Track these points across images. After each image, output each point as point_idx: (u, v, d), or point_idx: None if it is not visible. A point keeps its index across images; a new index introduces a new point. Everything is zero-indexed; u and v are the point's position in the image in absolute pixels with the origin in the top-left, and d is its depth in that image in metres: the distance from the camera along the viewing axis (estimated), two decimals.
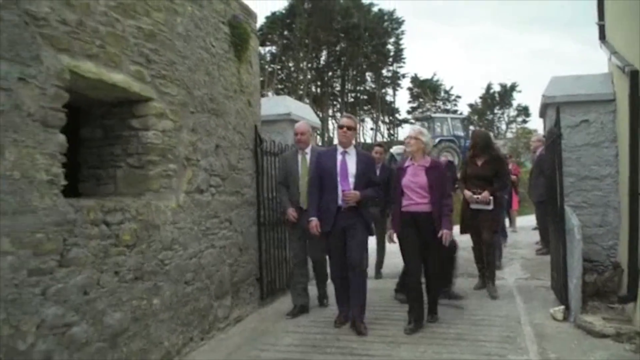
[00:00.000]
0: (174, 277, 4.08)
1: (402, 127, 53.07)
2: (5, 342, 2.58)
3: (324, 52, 50.12)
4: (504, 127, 53.71)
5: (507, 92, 54.19)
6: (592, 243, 5.46)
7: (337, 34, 48.12)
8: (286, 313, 5.34)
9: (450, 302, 5.39)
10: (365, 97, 52.89)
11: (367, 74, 52.30)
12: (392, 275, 6.85)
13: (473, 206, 5.84)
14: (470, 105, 55.84)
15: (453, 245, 5.23)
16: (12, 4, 2.70)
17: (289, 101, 7.34)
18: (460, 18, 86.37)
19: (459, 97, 56.12)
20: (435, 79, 54.35)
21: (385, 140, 48.04)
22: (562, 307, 4.81)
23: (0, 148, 2.59)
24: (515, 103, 53.80)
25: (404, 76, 53.39)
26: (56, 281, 2.92)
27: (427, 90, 51.32)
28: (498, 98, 55.11)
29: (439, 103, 53.93)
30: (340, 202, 4.72)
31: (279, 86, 45.71)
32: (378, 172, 5.57)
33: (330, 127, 47.71)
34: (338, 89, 52.42)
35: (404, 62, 53.01)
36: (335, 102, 52.33)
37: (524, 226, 11.16)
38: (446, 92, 55.55)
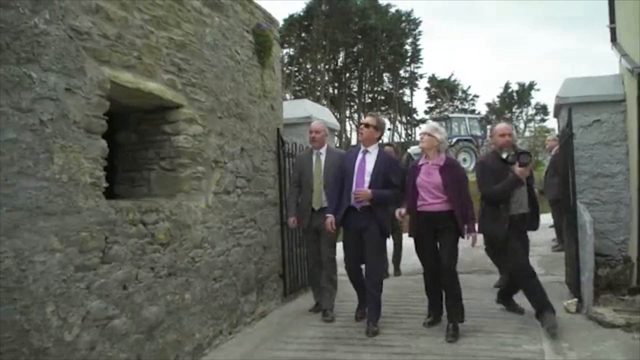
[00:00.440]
0: (203, 273, 4.31)
1: (420, 127, 52.99)
2: (54, 333, 2.82)
3: (342, 54, 50.33)
4: (522, 126, 53.34)
5: (525, 91, 53.94)
6: (605, 238, 5.60)
7: (355, 36, 48.33)
8: (309, 309, 5.51)
9: None
10: (383, 97, 52.99)
11: (384, 74, 52.37)
12: (411, 272, 7.03)
13: None
14: (488, 105, 55.65)
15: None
16: (59, 19, 2.95)
17: (308, 104, 7.56)
18: (479, 17, 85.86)
19: (476, 96, 56.08)
20: (452, 78, 54.33)
21: (402, 140, 48.07)
22: (575, 299, 4.96)
23: (50, 153, 2.84)
24: (533, 102, 53.56)
25: (421, 76, 53.50)
26: (99, 276, 3.17)
27: (444, 90, 51.26)
28: (516, 97, 54.83)
29: (457, 103, 53.84)
30: (352, 201, 4.70)
31: (297, 88, 46.04)
32: None
33: (348, 128, 47.88)
34: (355, 90, 52.59)
35: (421, 63, 53.10)
36: (352, 103, 52.52)
37: (541, 224, 11.19)
38: (464, 91, 55.49)
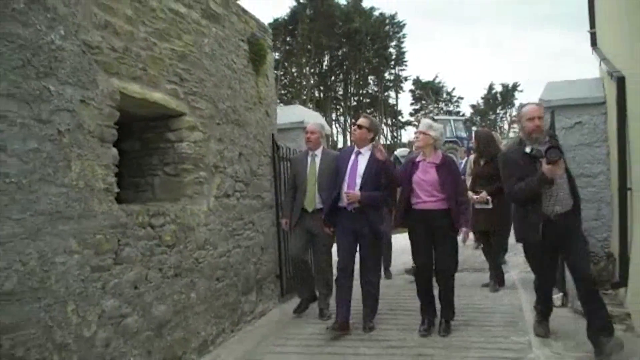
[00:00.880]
0: (207, 274, 4.50)
1: (405, 130, 53.51)
2: (74, 330, 3.01)
3: (327, 57, 50.82)
4: (506, 126, 54.09)
5: (508, 92, 54.73)
6: (589, 236, 5.81)
7: (339, 39, 48.80)
8: (293, 310, 5.48)
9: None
10: (368, 100, 53.51)
11: (369, 77, 52.99)
12: (401, 272, 7.24)
13: (477, 206, 6.15)
14: (473, 106, 56.44)
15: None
16: (73, 35, 3.13)
17: (301, 110, 7.79)
18: (462, 18, 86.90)
19: (461, 98, 56.93)
20: (437, 80, 54.98)
21: (388, 142, 48.46)
22: (561, 294, 5.21)
23: (67, 161, 3.02)
24: (517, 102, 54.25)
25: (406, 79, 54.12)
26: (113, 277, 3.35)
27: (429, 92, 51.83)
28: (500, 98, 55.59)
29: (442, 104, 54.44)
30: (344, 201, 4.74)
31: (283, 92, 46.25)
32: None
33: (334, 131, 48.15)
34: (341, 93, 53.06)
35: (405, 65, 53.77)
36: (338, 107, 52.95)
37: None
38: (448, 93, 56.17)
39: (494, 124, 54.49)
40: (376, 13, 50.55)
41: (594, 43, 6.94)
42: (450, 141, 23.87)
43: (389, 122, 55.18)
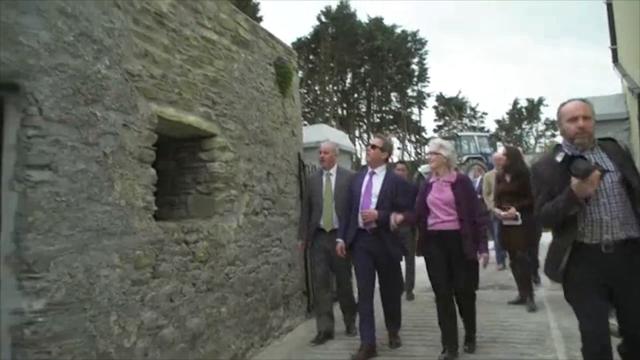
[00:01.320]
0: (237, 289, 4.66)
1: (429, 146, 53.24)
2: (115, 340, 3.20)
3: (349, 75, 51.14)
4: (532, 141, 53.62)
5: (534, 107, 54.26)
6: None
7: (362, 57, 49.14)
8: (310, 340, 5.25)
9: None
10: (391, 117, 53.57)
11: (392, 94, 53.05)
12: (424, 289, 7.26)
13: (505, 222, 6.11)
14: (498, 122, 56.02)
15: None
16: (116, 64, 3.37)
17: (325, 129, 7.99)
18: (485, 32, 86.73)
19: (485, 113, 56.49)
20: (460, 96, 54.82)
21: (412, 159, 48.42)
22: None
23: (111, 181, 3.24)
24: (543, 117, 53.79)
25: (429, 95, 54.04)
26: (151, 290, 3.54)
27: (452, 108, 51.70)
28: (525, 113, 55.16)
29: (465, 120, 54.23)
30: (360, 222, 4.68)
31: (306, 109, 46.69)
32: None
33: (358, 148, 48.32)
34: (364, 110, 53.23)
35: (428, 82, 53.64)
36: (361, 123, 53.10)
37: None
38: (472, 109, 55.88)
39: (520, 139, 54.06)
40: (398, 30, 50.97)
41: (615, 59, 7.01)
42: (475, 157, 23.77)
43: (413, 138, 55.18)
